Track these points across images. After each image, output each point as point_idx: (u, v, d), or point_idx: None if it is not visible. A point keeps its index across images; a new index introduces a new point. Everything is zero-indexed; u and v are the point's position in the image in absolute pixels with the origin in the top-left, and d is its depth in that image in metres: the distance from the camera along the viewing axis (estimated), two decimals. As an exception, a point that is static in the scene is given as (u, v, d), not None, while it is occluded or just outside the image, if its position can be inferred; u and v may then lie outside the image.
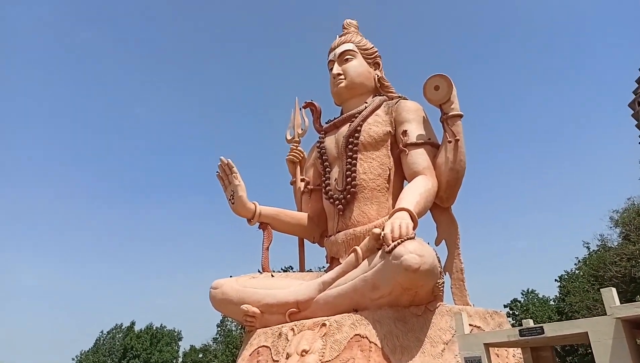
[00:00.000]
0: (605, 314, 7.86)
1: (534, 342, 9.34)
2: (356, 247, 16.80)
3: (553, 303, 40.55)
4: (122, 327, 72.72)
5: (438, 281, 14.73)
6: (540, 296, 42.12)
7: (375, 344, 14.09)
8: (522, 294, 44.65)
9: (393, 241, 14.75)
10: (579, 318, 28.37)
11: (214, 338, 62.01)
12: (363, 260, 16.39)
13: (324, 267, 24.07)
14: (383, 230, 15.70)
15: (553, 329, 8.34)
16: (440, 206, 19.56)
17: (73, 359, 72.56)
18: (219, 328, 60.30)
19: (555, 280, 43.14)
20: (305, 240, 27.24)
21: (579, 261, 42.44)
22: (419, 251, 14.00)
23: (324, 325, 16.60)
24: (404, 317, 14.56)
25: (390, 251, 14.37)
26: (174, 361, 69.49)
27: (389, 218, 16.54)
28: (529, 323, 11.60)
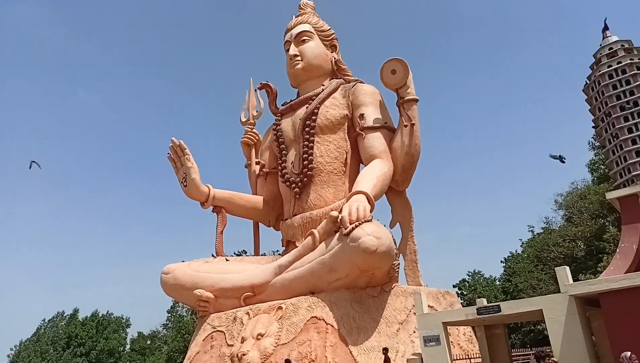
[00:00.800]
0: (557, 292, 8.15)
1: (490, 320, 9.65)
2: (313, 230, 16.72)
3: (498, 283, 42.44)
4: (65, 315, 69.55)
5: (394, 262, 14.93)
6: (487, 276, 44.00)
7: (332, 326, 14.14)
8: (469, 275, 46.64)
9: (351, 224, 14.73)
10: (524, 297, 30.05)
11: (164, 324, 60.84)
12: (320, 242, 16.36)
13: (278, 251, 23.91)
14: (340, 213, 15.62)
15: (509, 307, 8.62)
16: (395, 189, 19.77)
17: (11, 349, 68.74)
18: (169, 314, 59.16)
19: (501, 261, 45.57)
20: (260, 223, 26.94)
21: (523, 243, 44.94)
22: (376, 234, 14.07)
23: (280, 308, 16.48)
24: (361, 299, 14.68)
25: (348, 234, 14.37)
26: (122, 348, 67.45)
27: (347, 201, 16.55)
28: (483, 302, 11.99)
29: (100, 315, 67.50)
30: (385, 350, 13.72)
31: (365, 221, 14.67)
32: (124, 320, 70.10)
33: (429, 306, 16.35)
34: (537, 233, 40.28)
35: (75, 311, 71.43)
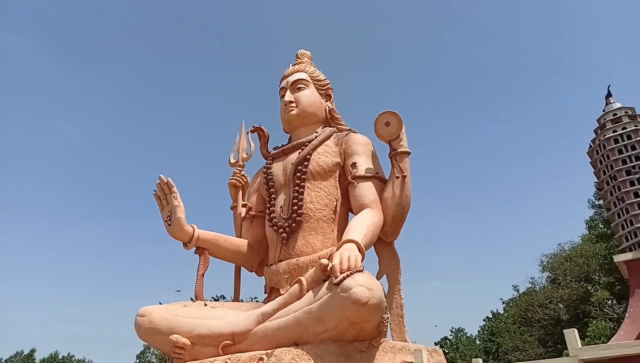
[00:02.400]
0: (545, 356, 7.89)
1: None
2: (301, 278, 16.24)
3: (479, 342, 41.66)
4: (21, 355, 65.36)
5: (384, 316, 14.46)
6: (468, 335, 43.26)
7: (317, 381, 13.43)
8: (452, 332, 45.86)
9: (341, 273, 14.34)
10: (509, 358, 29.55)
11: None
12: (308, 291, 15.82)
13: (256, 298, 23.20)
14: (331, 261, 15.25)
15: None
16: (383, 240, 19.57)
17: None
18: (138, 360, 56.11)
19: (483, 320, 45.14)
20: (242, 268, 26.22)
21: (503, 302, 44.84)
22: (368, 285, 13.72)
23: (261, 359, 15.62)
24: (347, 353, 14.10)
25: (338, 283, 13.95)
26: (81, 395, 63.26)
27: (337, 249, 16.23)
28: (479, 362, 11.61)
29: (60, 356, 63.70)
30: None
31: (357, 271, 14.32)
32: (85, 364, 66.33)
33: None
34: (522, 293, 40.38)
35: (32, 351, 67.31)
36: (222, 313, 18.63)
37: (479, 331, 43.92)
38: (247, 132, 28.04)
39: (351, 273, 13.79)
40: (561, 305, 29.18)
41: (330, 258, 16.45)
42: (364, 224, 17.62)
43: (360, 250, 15.62)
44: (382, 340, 14.99)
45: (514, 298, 43.23)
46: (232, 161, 28.17)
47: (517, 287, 40.74)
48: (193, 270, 22.30)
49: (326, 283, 15.12)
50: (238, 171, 26.47)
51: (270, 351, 15.38)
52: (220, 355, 17.13)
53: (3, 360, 66.52)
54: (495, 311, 44.51)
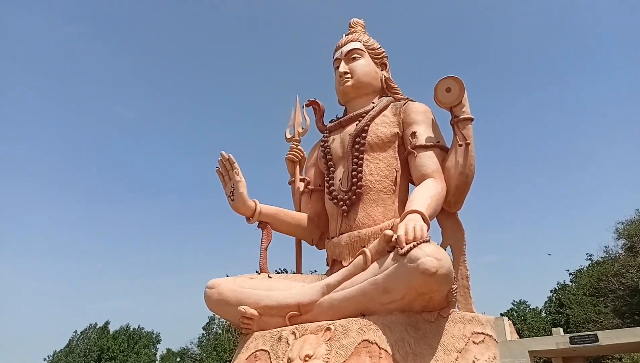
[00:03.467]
0: (620, 326, 7.45)
1: (583, 351, 8.92)
2: (365, 249, 16.20)
3: (544, 315, 40.16)
4: (96, 327, 70.48)
5: (452, 286, 14.21)
6: (532, 307, 41.92)
7: (386, 350, 13.48)
8: (514, 304, 44.58)
9: (407, 244, 14.16)
10: (581, 330, 28.55)
11: (199, 341, 60.77)
12: (372, 262, 15.80)
13: (315, 271, 23.53)
14: (395, 232, 15.08)
15: (608, 337, 7.93)
16: (446, 210, 19.11)
17: (45, 359, 70.12)
18: (205, 331, 59.24)
19: (551, 291, 43.66)
20: (302, 241, 26.62)
21: (570, 274, 43.21)
22: (436, 255, 13.49)
23: (328, 329, 15.91)
24: (416, 323, 14.02)
25: (405, 254, 13.80)
26: (152, 364, 67.80)
27: (401, 220, 16.03)
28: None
29: (131, 329, 68.25)
30: None
31: (424, 242, 14.10)
32: (154, 336, 70.74)
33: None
34: (594, 262, 38.59)
35: (107, 324, 72.48)
36: (287, 285, 19.04)
37: (545, 302, 42.66)
38: (302, 107, 28.02)
39: (418, 244, 13.59)
40: (638, 275, 27.53)
41: (394, 229, 16.29)
42: (427, 194, 17.23)
43: (425, 220, 15.32)
44: (451, 310, 14.79)
45: (582, 269, 41.31)
46: (288, 136, 28.33)
47: (591, 256, 38.96)
48: (255, 245, 22.81)
49: (391, 254, 15.01)
50: (295, 146, 26.61)
51: (336, 321, 15.61)
52: (287, 325, 17.62)
53: (79, 332, 72.47)
54: (563, 283, 43.06)
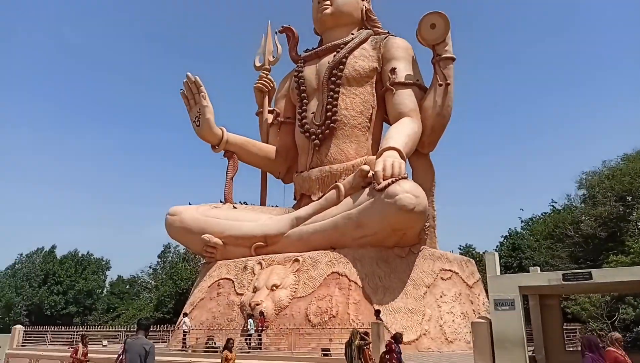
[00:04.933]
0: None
1: (574, 288, 9.07)
2: (338, 183, 15.92)
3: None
4: (43, 251, 68.25)
5: (426, 224, 14.27)
6: (478, 251, 43.97)
7: (356, 283, 13.61)
8: (460, 249, 46.71)
9: (384, 180, 13.92)
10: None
11: (152, 269, 60.36)
12: (345, 197, 15.58)
13: (276, 206, 23.19)
14: (372, 168, 14.80)
15: (602, 275, 8.09)
16: (419, 151, 18.99)
17: (-17, 282, 67.57)
18: (159, 259, 58.67)
19: (502, 237, 45.91)
20: (268, 174, 26.00)
21: (522, 221, 45.79)
22: (414, 192, 13.39)
23: (296, 260, 15.86)
24: (387, 258, 14.14)
25: (382, 189, 13.59)
26: (100, 290, 66.92)
27: (378, 156, 15.76)
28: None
29: (80, 254, 66.41)
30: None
31: (402, 178, 13.90)
32: (104, 262, 69.28)
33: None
34: (553, 210, 40.44)
35: (53, 248, 70.04)
36: (253, 215, 18.69)
37: (497, 246, 44.87)
38: (275, 34, 26.49)
39: (396, 180, 13.43)
40: (596, 224, 29.21)
41: (370, 165, 16.01)
42: (405, 132, 16.96)
43: (402, 157, 15.13)
44: (422, 247, 15.02)
45: (535, 217, 43.62)
46: (258, 64, 26.88)
47: (555, 203, 41.02)
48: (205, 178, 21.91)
49: (367, 189, 14.85)
50: (264, 75, 25.35)
51: (305, 253, 15.54)
52: (252, 256, 17.43)
53: (24, 255, 69.72)
54: (513, 230, 45.40)
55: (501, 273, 10.07)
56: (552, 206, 40.36)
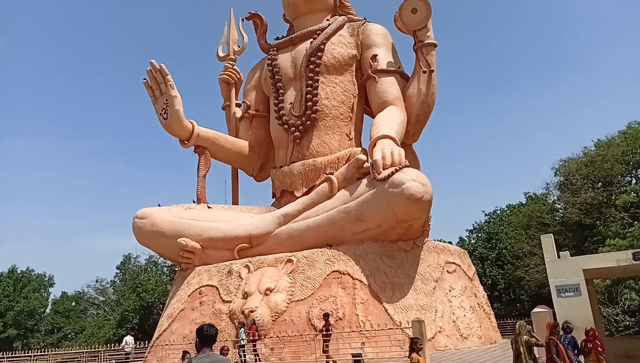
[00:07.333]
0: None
1: None
2: (331, 176, 14.96)
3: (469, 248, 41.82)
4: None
5: (429, 215, 13.56)
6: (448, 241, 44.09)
7: (360, 281, 12.67)
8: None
9: (384, 169, 13.10)
10: (527, 263, 31.04)
11: (111, 282, 56.24)
12: (339, 190, 14.61)
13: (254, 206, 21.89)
14: (371, 157, 13.94)
15: None
16: (404, 142, 18.37)
17: None
18: (119, 271, 54.55)
19: (467, 229, 46.51)
20: (240, 171, 24.45)
21: (486, 214, 46.49)
22: (421, 180, 12.68)
23: (289, 261, 14.67)
24: (391, 252, 13.34)
25: (384, 179, 12.73)
26: (43, 310, 61.81)
27: (371, 146, 14.95)
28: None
29: (19, 271, 61.02)
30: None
31: (405, 166, 13.13)
32: (46, 278, 64.11)
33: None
34: (529, 197, 41.25)
35: (-13, 266, 64.07)
36: (232, 215, 17.31)
37: (467, 238, 44.81)
38: (240, 21, 25.05)
39: (399, 168, 12.62)
40: (578, 211, 29.79)
41: (366, 154, 15.13)
42: (394, 121, 16.25)
43: (397, 145, 14.38)
44: (426, 239, 14.30)
45: (505, 208, 44.26)
46: (222, 54, 25.28)
47: (529, 193, 41.49)
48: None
49: (364, 180, 13.94)
50: (230, 66, 23.87)
51: (298, 253, 14.39)
52: (235, 259, 16.06)
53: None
54: (481, 222, 45.92)
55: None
56: (529, 195, 41.23)
